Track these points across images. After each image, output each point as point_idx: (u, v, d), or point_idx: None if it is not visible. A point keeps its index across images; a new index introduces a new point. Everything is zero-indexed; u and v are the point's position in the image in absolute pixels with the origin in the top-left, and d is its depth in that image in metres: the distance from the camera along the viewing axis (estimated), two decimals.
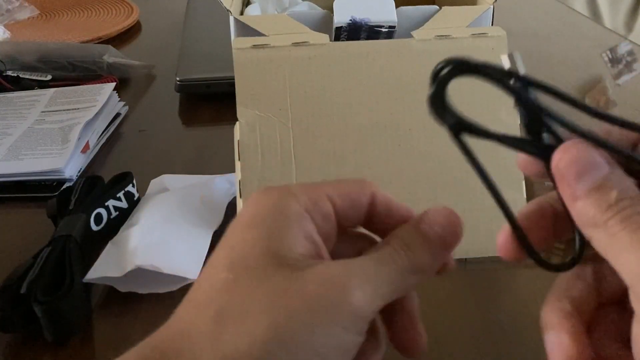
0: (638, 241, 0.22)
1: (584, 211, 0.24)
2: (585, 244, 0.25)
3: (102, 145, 0.61)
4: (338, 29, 0.51)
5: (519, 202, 0.44)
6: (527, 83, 0.28)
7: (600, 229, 0.23)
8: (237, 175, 0.43)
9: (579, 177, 0.24)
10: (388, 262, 0.25)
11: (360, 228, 0.29)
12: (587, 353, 0.26)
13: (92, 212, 0.45)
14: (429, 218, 0.27)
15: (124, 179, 0.48)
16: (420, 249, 0.26)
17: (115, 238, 0.43)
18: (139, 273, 0.40)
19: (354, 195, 0.28)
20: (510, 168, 0.44)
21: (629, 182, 0.24)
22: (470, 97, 0.44)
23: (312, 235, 0.26)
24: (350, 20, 0.51)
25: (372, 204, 0.28)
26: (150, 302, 0.40)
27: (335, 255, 0.27)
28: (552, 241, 0.28)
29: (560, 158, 0.25)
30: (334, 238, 0.28)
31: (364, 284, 0.24)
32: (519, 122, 0.45)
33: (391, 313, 0.29)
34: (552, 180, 0.25)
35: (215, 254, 0.26)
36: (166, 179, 0.51)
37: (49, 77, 0.72)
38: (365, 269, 0.25)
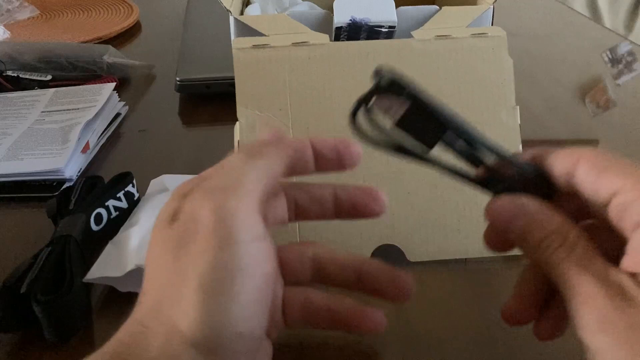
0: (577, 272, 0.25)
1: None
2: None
3: (102, 145, 0.61)
4: (338, 29, 0.51)
5: None
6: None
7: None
8: None
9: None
10: (247, 162, 0.29)
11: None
12: None
13: (92, 212, 0.45)
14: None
15: (124, 179, 0.48)
16: (260, 147, 0.29)
17: (115, 238, 0.43)
18: (139, 273, 0.39)
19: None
20: None
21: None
22: (471, 97, 0.45)
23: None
24: (350, 20, 0.51)
25: (319, 155, 0.32)
26: None
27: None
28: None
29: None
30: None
31: (233, 199, 0.26)
32: (518, 122, 0.45)
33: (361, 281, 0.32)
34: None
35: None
36: (166, 179, 0.51)
37: (49, 77, 0.72)
38: (228, 184, 0.27)
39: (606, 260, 0.25)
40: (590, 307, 0.23)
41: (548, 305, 0.30)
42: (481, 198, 0.44)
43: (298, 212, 0.33)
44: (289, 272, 0.32)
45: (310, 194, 0.33)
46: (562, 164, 0.27)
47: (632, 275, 0.24)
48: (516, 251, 0.44)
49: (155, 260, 0.27)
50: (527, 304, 0.29)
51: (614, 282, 0.24)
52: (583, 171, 0.27)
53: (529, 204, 0.27)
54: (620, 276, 0.24)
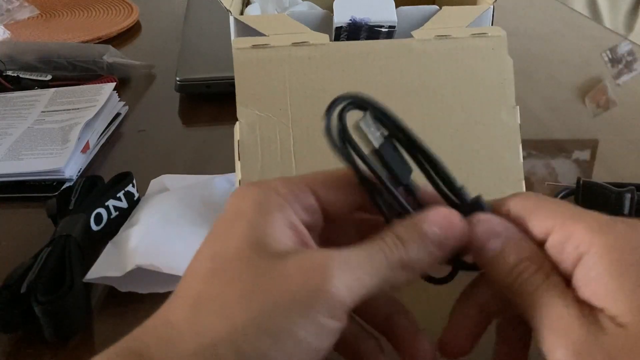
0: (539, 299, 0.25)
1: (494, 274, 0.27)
2: (460, 262, 0.29)
3: (102, 145, 0.61)
4: (338, 29, 0.51)
5: None
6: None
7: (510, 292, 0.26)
8: (237, 175, 0.43)
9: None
10: (375, 253, 0.25)
11: (364, 214, 0.30)
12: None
13: (92, 212, 0.45)
14: (430, 217, 0.27)
15: (124, 179, 0.48)
16: (413, 245, 0.26)
17: (115, 238, 0.43)
18: (139, 273, 0.39)
19: (338, 183, 0.28)
20: (510, 168, 0.44)
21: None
22: (471, 97, 0.44)
23: (295, 224, 0.26)
24: (350, 20, 0.51)
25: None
26: (150, 302, 0.40)
27: (331, 243, 0.27)
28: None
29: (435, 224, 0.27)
30: (319, 228, 0.28)
31: (344, 272, 0.24)
32: (518, 122, 0.45)
33: (388, 327, 0.30)
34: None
35: (200, 247, 0.26)
36: (166, 179, 0.51)
37: (49, 77, 0.72)
38: (348, 258, 0.25)
39: None
40: (566, 338, 0.23)
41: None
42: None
43: None
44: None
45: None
46: (500, 213, 0.28)
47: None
48: None
49: (229, 270, 0.24)
50: (465, 334, 0.29)
51: (588, 312, 0.23)
52: (515, 218, 0.27)
53: (510, 227, 0.27)
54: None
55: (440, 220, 0.27)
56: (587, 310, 0.24)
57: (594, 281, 0.24)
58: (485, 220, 0.27)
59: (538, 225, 0.26)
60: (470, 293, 0.30)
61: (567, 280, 0.25)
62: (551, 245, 0.26)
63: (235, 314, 0.23)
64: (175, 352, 0.23)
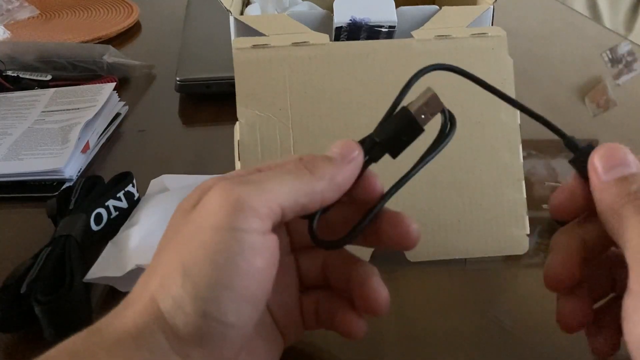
0: None
1: (606, 197, 0.27)
2: (362, 227, 0.31)
3: (102, 145, 0.61)
4: (338, 29, 0.51)
5: (519, 202, 0.44)
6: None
7: (615, 214, 0.27)
8: None
9: (608, 169, 0.28)
10: (280, 170, 0.28)
11: None
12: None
13: (92, 212, 0.45)
14: (337, 144, 0.30)
15: (124, 179, 0.48)
16: (318, 162, 0.29)
17: (115, 238, 0.43)
18: (139, 273, 0.39)
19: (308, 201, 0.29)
20: (510, 168, 0.44)
21: None
22: (471, 98, 0.44)
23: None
24: (350, 20, 0.51)
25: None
26: None
27: None
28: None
29: (597, 152, 0.29)
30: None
31: (252, 192, 0.26)
32: (518, 122, 0.45)
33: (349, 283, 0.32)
34: (584, 176, 0.30)
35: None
36: (166, 179, 0.51)
37: (49, 77, 0.72)
38: (252, 179, 0.27)
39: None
40: None
41: (603, 320, 0.31)
42: (481, 198, 0.44)
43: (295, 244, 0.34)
44: (304, 278, 0.33)
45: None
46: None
47: None
48: (516, 251, 0.44)
49: (163, 239, 0.28)
50: (570, 264, 0.30)
51: None
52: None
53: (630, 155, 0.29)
54: None
55: (337, 145, 0.30)
56: None
57: None
58: (609, 147, 0.29)
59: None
60: (573, 227, 0.31)
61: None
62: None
63: (168, 271, 0.25)
64: (126, 309, 0.26)
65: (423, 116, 0.30)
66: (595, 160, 0.29)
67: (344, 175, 0.29)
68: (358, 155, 0.30)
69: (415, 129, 0.30)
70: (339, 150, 0.30)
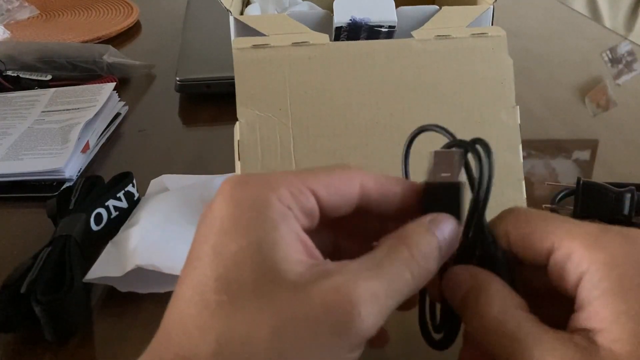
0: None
1: None
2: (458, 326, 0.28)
3: (102, 145, 0.61)
4: (338, 29, 0.51)
5: (519, 202, 0.44)
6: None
7: None
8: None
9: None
10: (401, 273, 0.24)
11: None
12: None
13: (92, 212, 0.45)
14: (439, 222, 0.26)
15: (124, 179, 0.48)
16: (433, 257, 0.25)
17: (115, 238, 0.43)
18: (139, 273, 0.39)
19: (341, 187, 0.26)
20: (510, 168, 0.44)
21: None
22: (471, 97, 0.44)
23: (300, 234, 0.24)
24: (350, 20, 0.51)
25: (362, 194, 0.27)
26: (150, 302, 0.40)
27: (325, 244, 0.26)
28: None
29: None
30: (315, 231, 0.26)
31: (372, 304, 0.22)
32: (518, 122, 0.45)
33: None
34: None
35: (198, 263, 0.23)
36: (166, 179, 0.51)
37: (49, 77, 0.72)
38: (375, 287, 0.23)
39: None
40: None
41: None
42: None
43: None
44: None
45: None
46: (500, 235, 0.27)
47: (582, 332, 0.24)
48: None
49: (248, 307, 0.22)
50: None
51: (581, 339, 0.23)
52: (516, 242, 0.26)
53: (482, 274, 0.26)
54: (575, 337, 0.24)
55: (449, 227, 0.26)
56: (581, 336, 0.23)
57: (597, 300, 0.23)
58: (457, 273, 0.27)
59: (539, 247, 0.26)
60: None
61: (570, 301, 0.25)
62: (553, 265, 0.25)
63: (263, 356, 0.21)
64: None
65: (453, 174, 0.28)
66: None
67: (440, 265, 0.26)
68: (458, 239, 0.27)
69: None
70: (447, 239, 0.26)
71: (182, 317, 0.23)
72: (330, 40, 0.45)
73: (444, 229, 0.26)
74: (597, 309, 0.23)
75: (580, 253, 0.24)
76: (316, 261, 0.24)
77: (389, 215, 0.28)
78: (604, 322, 0.23)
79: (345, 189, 0.26)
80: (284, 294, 0.22)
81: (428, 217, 0.26)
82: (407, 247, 0.24)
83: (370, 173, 0.27)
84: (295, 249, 0.23)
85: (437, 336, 0.30)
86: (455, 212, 0.27)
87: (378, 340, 0.28)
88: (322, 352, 0.22)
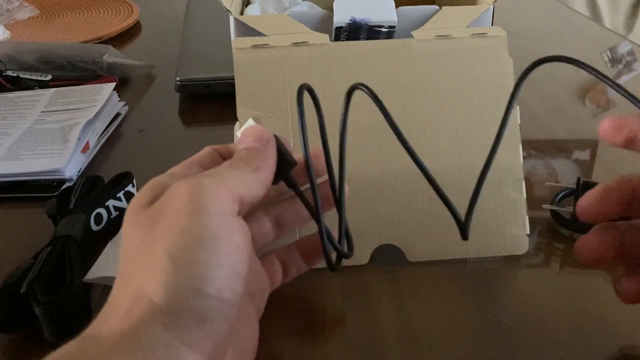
0: None
1: None
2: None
3: (102, 145, 0.61)
4: (338, 29, 0.51)
5: (519, 202, 0.44)
6: None
7: None
8: None
9: None
10: (226, 167, 0.31)
11: None
12: None
13: (92, 212, 0.45)
14: (241, 141, 0.33)
15: (124, 179, 0.48)
16: (247, 156, 0.32)
17: (115, 238, 0.43)
18: None
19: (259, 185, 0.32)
20: (510, 168, 0.44)
21: None
22: (471, 97, 0.45)
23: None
24: (350, 20, 0.51)
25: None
26: None
27: None
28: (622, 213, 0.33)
29: None
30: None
31: (209, 180, 0.28)
32: (518, 122, 0.45)
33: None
34: None
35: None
36: None
37: (49, 77, 0.72)
38: (207, 173, 0.30)
39: None
40: None
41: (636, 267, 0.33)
42: (481, 198, 0.44)
43: (281, 225, 0.37)
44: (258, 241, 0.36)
45: (293, 208, 0.37)
46: None
47: None
48: (516, 251, 0.44)
49: (128, 240, 0.28)
50: (609, 199, 0.33)
51: None
52: None
53: None
54: None
55: (247, 134, 0.33)
56: None
57: None
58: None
59: None
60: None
61: None
62: None
63: (149, 266, 0.26)
64: (112, 312, 0.26)
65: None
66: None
67: (273, 157, 0.32)
68: (269, 134, 0.33)
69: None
70: (254, 138, 0.33)
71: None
72: (330, 40, 0.45)
73: (243, 141, 0.33)
74: None
75: None
76: None
77: None
78: None
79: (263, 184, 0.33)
80: (146, 214, 0.29)
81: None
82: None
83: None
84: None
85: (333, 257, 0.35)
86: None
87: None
88: (192, 219, 0.26)
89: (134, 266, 0.27)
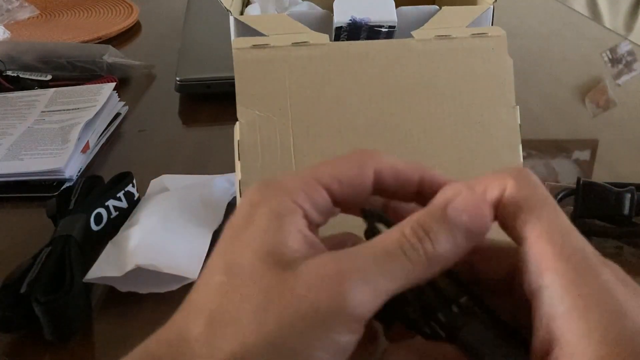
0: None
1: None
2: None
3: (102, 145, 0.61)
4: (338, 29, 0.51)
5: None
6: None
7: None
8: (237, 175, 0.43)
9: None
10: (395, 254, 0.23)
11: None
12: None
13: (92, 212, 0.45)
14: (458, 203, 0.24)
15: (124, 179, 0.48)
16: (443, 237, 0.23)
17: (115, 238, 0.43)
18: (139, 273, 0.40)
19: (353, 178, 0.26)
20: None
21: None
22: (471, 97, 0.45)
23: (302, 229, 0.25)
24: (350, 20, 0.51)
25: (378, 181, 0.26)
26: (150, 302, 0.40)
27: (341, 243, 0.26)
28: None
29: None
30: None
31: (361, 283, 0.22)
32: (518, 122, 0.45)
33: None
34: None
35: (212, 257, 0.25)
36: (166, 179, 0.51)
37: (49, 77, 0.72)
38: (365, 265, 0.22)
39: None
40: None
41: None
42: None
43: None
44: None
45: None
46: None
47: None
48: None
49: (243, 285, 0.23)
50: None
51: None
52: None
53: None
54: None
55: (471, 207, 0.24)
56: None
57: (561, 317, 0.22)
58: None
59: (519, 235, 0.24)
60: None
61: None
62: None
63: (248, 334, 0.22)
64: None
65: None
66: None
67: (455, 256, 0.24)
68: (485, 228, 0.24)
69: None
70: (468, 220, 0.23)
71: (187, 301, 0.24)
72: (330, 40, 0.45)
73: (460, 207, 0.24)
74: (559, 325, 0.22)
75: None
76: (315, 250, 0.24)
77: (407, 201, 0.28)
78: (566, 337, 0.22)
79: (357, 179, 0.26)
80: (274, 272, 0.23)
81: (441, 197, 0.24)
82: (406, 226, 0.24)
83: (388, 158, 0.27)
84: (296, 240, 0.24)
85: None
86: None
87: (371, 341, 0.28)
88: (309, 334, 0.22)
89: (233, 318, 0.23)
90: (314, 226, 0.26)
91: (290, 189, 0.25)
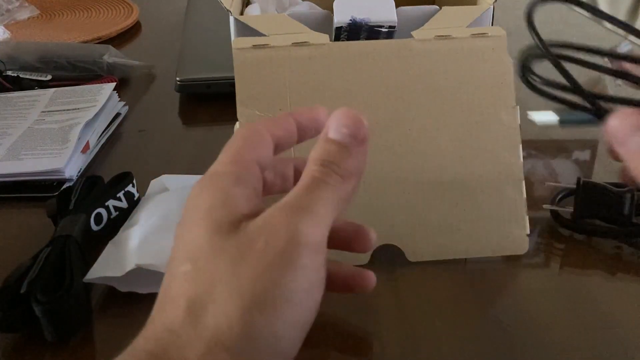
0: None
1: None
2: None
3: (102, 145, 0.61)
4: (338, 29, 0.51)
5: (519, 202, 0.44)
6: None
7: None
8: None
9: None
10: (315, 186, 0.27)
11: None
12: None
13: (92, 212, 0.45)
14: (334, 124, 0.28)
15: (124, 179, 0.48)
16: (339, 157, 0.27)
17: (115, 238, 0.43)
18: (139, 273, 0.39)
19: (284, 123, 0.31)
20: (510, 168, 0.44)
21: None
22: (471, 97, 0.45)
23: (244, 193, 0.27)
24: (350, 20, 0.51)
25: (299, 126, 0.31)
26: (150, 302, 0.40)
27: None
28: None
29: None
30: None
31: (306, 218, 0.25)
32: (518, 122, 0.45)
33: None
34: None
35: (173, 247, 0.27)
36: (166, 179, 0.51)
37: (49, 77, 0.72)
38: (299, 203, 0.26)
39: None
40: None
41: None
42: (481, 198, 0.44)
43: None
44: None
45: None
46: None
47: None
48: (516, 251, 0.44)
49: (207, 265, 0.25)
50: None
51: None
52: None
53: None
54: None
55: (344, 120, 0.28)
56: None
57: None
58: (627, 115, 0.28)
59: None
60: None
61: None
62: None
63: (227, 306, 0.24)
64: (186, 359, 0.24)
65: None
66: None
67: (364, 163, 0.28)
68: (367, 129, 0.28)
69: None
70: (349, 132, 0.28)
71: (160, 296, 0.27)
72: (330, 40, 0.45)
73: (338, 126, 0.28)
74: None
75: None
76: (257, 207, 0.27)
77: None
78: None
79: (287, 124, 0.31)
80: (230, 242, 0.25)
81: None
82: (311, 164, 0.27)
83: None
84: (242, 206, 0.26)
85: None
86: None
87: (358, 243, 0.32)
88: (282, 280, 0.24)
89: (208, 297, 0.24)
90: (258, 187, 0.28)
91: (223, 172, 0.28)
